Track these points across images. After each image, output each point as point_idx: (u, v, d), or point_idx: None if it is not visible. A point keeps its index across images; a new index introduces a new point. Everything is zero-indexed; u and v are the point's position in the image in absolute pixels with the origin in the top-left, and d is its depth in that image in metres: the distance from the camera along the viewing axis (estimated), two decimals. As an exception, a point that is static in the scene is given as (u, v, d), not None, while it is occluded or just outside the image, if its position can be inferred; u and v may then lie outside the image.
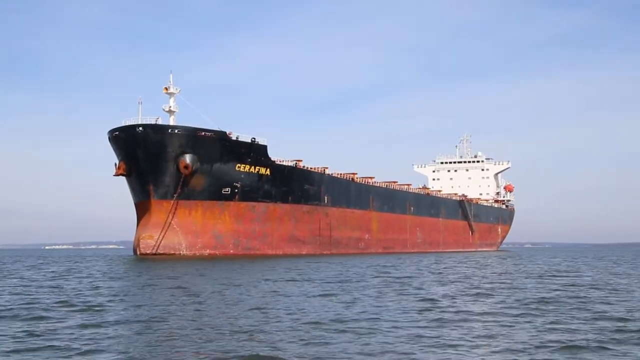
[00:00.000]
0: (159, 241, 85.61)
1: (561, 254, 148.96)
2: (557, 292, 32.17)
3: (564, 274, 49.87)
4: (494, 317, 22.61)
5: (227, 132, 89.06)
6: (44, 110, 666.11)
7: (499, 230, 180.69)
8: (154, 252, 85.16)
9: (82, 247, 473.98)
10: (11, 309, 25.11)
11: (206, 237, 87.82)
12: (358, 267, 58.73)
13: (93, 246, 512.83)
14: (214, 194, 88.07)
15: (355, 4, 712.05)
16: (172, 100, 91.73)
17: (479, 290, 33.43)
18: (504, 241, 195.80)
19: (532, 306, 25.73)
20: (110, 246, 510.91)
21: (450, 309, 24.77)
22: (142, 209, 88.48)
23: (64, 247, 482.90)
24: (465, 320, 21.67)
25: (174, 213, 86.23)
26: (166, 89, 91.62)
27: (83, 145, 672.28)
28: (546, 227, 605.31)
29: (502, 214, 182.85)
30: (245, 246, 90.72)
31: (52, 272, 55.10)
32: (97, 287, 35.46)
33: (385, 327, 20.12)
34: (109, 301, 27.80)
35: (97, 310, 24.40)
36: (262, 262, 68.77)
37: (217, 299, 28.31)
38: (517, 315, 22.92)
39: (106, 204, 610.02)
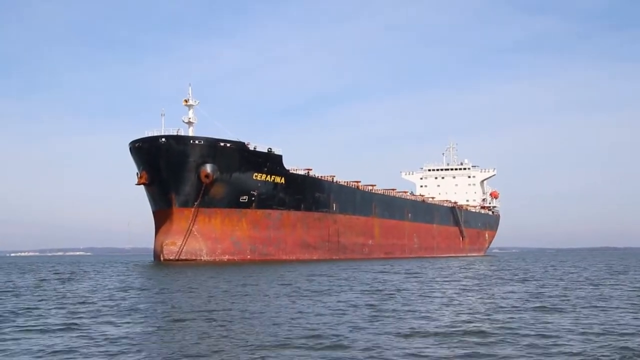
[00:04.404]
0: (181, 247, 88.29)
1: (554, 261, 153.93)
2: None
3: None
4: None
5: (246, 143, 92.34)
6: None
7: (487, 235, 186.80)
8: (176, 257, 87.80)
9: (49, 254, 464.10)
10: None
11: (225, 243, 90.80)
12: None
13: (60, 253, 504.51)
14: (232, 202, 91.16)
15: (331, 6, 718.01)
16: (191, 111, 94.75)
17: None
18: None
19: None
20: (78, 253, 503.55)
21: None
22: (163, 216, 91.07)
23: (30, 254, 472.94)
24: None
25: (195, 220, 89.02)
26: (186, 101, 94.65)
27: (42, 151, 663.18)
28: (513, 232, 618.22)
29: (489, 220, 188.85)
30: (261, 252, 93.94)
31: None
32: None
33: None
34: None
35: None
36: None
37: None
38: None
39: (69, 210, 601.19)
